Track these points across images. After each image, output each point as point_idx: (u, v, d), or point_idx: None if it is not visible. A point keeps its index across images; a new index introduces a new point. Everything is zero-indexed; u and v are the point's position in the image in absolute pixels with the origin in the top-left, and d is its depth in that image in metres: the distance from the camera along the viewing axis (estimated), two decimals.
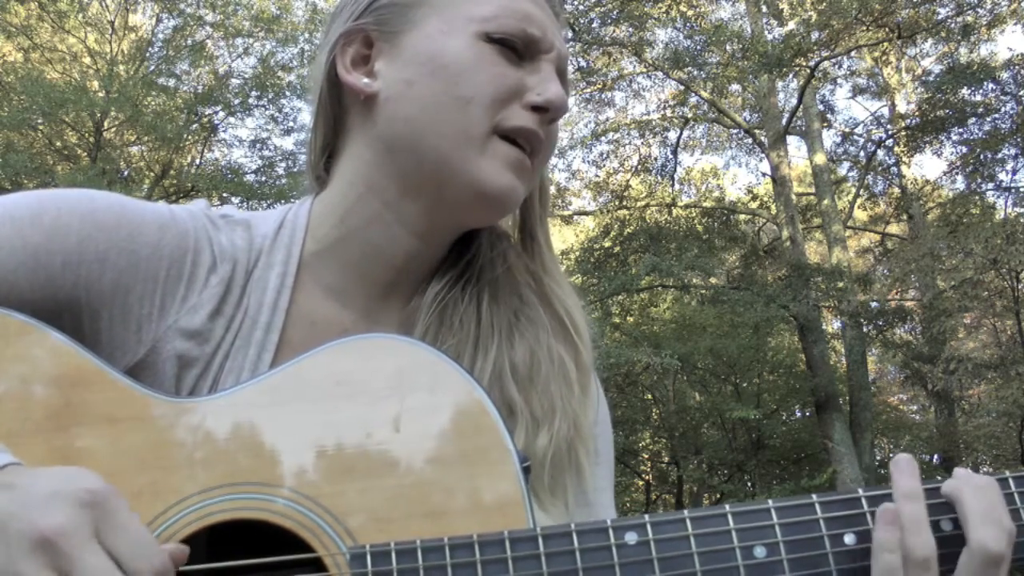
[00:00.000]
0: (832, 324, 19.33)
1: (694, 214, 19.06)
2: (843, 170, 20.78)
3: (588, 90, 19.13)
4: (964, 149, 17.49)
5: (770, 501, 0.82)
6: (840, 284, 15.65)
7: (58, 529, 0.70)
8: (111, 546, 0.72)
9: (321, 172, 1.13)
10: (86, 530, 0.71)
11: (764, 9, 17.78)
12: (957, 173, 18.25)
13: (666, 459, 20.49)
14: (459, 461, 0.85)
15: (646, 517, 0.82)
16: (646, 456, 20.83)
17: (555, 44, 1.08)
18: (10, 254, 0.93)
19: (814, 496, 0.83)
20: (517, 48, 1.05)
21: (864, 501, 0.83)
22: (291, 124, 18.31)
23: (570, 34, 16.24)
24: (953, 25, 16.40)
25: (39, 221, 0.95)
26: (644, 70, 18.35)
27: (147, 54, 17.94)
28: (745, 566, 0.80)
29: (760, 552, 0.80)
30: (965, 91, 16.36)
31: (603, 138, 20.10)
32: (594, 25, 17.15)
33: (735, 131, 19.90)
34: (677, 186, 20.38)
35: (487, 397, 0.88)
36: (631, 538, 0.80)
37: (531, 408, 1.04)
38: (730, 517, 0.81)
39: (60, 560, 0.69)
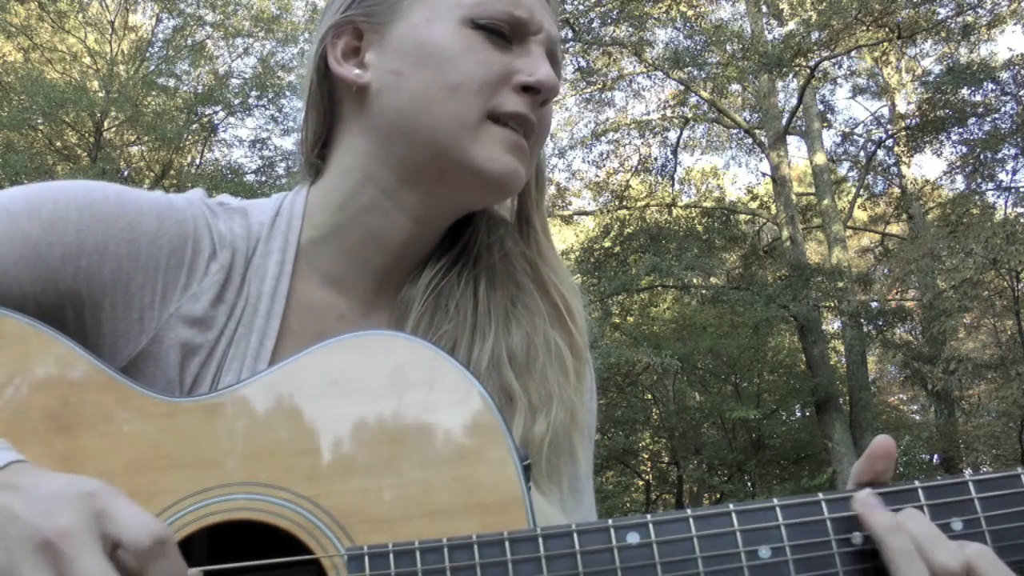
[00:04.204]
0: (832, 324, 19.34)
1: (694, 214, 19.07)
2: (843, 170, 20.82)
3: (588, 90, 19.14)
4: (964, 149, 17.51)
5: (775, 500, 0.81)
6: (840, 284, 15.67)
7: (60, 531, 0.69)
8: (113, 534, 0.71)
9: (315, 161, 1.13)
10: (88, 532, 0.71)
11: (764, 9, 17.78)
12: (957, 173, 18.27)
13: (666, 459, 20.49)
14: (458, 460, 0.84)
15: (648, 517, 0.80)
16: (646, 456, 20.83)
17: (544, 26, 1.07)
18: (10, 248, 0.94)
19: (820, 495, 0.81)
20: (504, 32, 1.04)
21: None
22: (291, 124, 18.31)
23: (570, 34, 16.24)
24: (953, 25, 16.41)
25: (37, 214, 0.95)
26: (644, 70, 18.35)
27: (147, 54, 17.95)
28: (750, 567, 0.78)
29: (765, 553, 0.79)
30: (965, 91, 16.38)
31: (603, 138, 20.12)
32: (594, 25, 17.15)
33: (735, 131, 19.91)
34: (677, 186, 20.40)
35: (487, 394, 0.87)
36: (633, 539, 0.79)
37: (529, 396, 1.04)
38: (734, 517, 0.80)
39: (61, 562, 0.69)
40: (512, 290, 1.12)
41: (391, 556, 0.78)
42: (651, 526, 0.80)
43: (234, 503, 0.83)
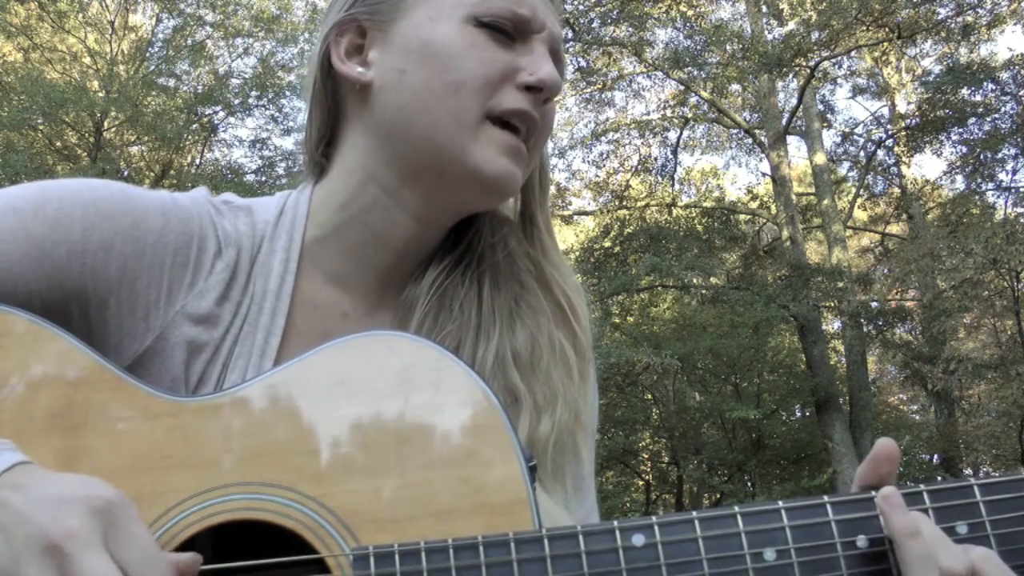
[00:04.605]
0: (832, 324, 19.34)
1: (694, 214, 19.07)
2: (843, 170, 20.82)
3: (588, 90, 19.14)
4: (964, 149, 17.50)
5: (780, 502, 0.81)
6: (840, 284, 15.67)
7: (67, 533, 0.69)
8: (119, 555, 0.71)
9: (320, 159, 1.13)
10: (95, 536, 0.71)
11: (764, 9, 17.78)
12: (957, 173, 18.27)
13: (666, 459, 20.48)
14: (464, 460, 0.84)
15: (653, 518, 0.80)
16: (646, 456, 20.83)
17: (546, 24, 1.07)
18: (15, 246, 0.93)
19: (825, 497, 0.81)
20: (507, 30, 1.05)
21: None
22: (291, 124, 18.35)
23: (570, 34, 16.24)
24: (953, 25, 16.41)
25: (42, 212, 0.95)
26: (644, 70, 18.35)
27: (147, 54, 17.96)
28: (755, 569, 0.78)
29: (770, 555, 0.79)
30: (965, 91, 16.37)
31: (603, 138, 20.13)
32: (594, 25, 17.14)
33: (735, 131, 19.91)
34: (677, 186, 20.40)
35: (493, 395, 0.87)
36: (638, 540, 0.79)
37: (534, 396, 1.05)
38: (739, 519, 0.80)
39: (66, 564, 0.69)
40: (516, 289, 1.12)
41: (396, 556, 0.78)
42: (656, 527, 0.80)
43: (239, 503, 0.83)
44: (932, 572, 0.76)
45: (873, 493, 0.82)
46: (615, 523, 0.80)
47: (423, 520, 0.82)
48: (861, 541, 0.80)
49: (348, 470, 0.84)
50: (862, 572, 0.79)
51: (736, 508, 0.81)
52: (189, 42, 17.98)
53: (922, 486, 0.81)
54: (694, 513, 0.80)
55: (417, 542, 0.79)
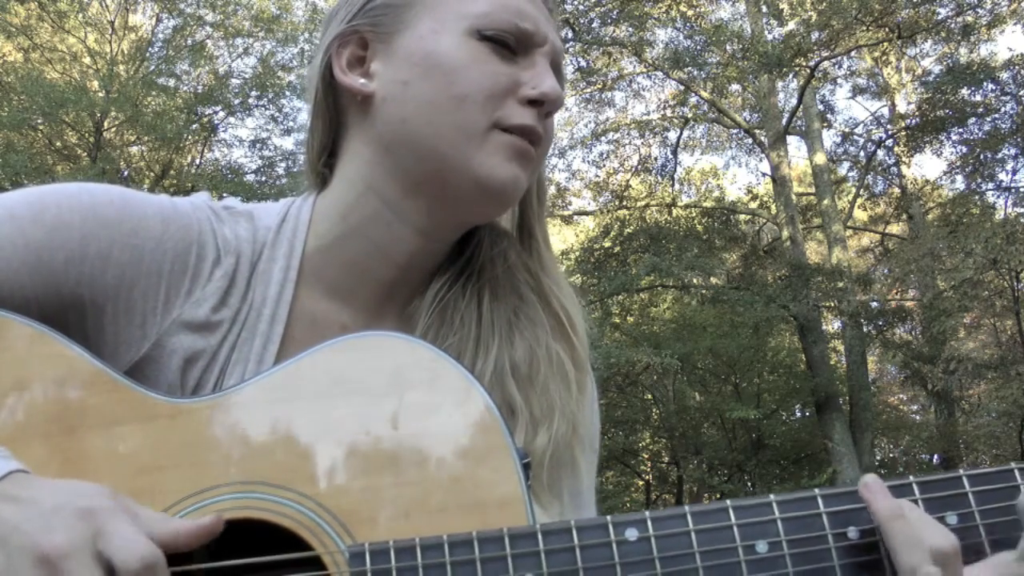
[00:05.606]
0: (832, 324, 19.35)
1: (694, 214, 19.07)
2: (843, 170, 20.82)
3: (588, 90, 19.14)
4: (964, 149, 17.51)
5: (771, 496, 0.82)
6: (840, 284, 15.68)
7: (58, 548, 0.70)
8: (108, 553, 0.72)
9: (322, 170, 1.13)
10: (85, 548, 0.71)
11: (764, 9, 17.78)
12: (957, 173, 18.27)
13: (666, 459, 20.49)
14: (458, 459, 0.84)
15: (646, 513, 0.81)
16: (646, 456, 20.84)
17: (548, 37, 1.08)
18: (12, 253, 0.93)
19: (816, 490, 0.82)
20: (510, 44, 1.05)
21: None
22: (291, 124, 18.35)
23: (570, 34, 16.25)
24: (953, 25, 16.42)
25: (40, 219, 0.95)
26: (644, 70, 18.36)
27: (147, 54, 17.96)
28: (747, 562, 0.79)
29: (762, 548, 0.79)
30: (965, 91, 16.38)
31: (603, 138, 20.13)
32: (594, 25, 17.16)
33: (735, 131, 19.91)
34: (677, 186, 20.41)
35: (487, 395, 0.87)
36: (631, 534, 0.80)
37: (531, 408, 1.04)
38: (731, 512, 0.81)
39: None
40: (515, 302, 1.12)
41: (391, 552, 0.79)
42: (649, 522, 0.80)
43: (236, 502, 0.83)
44: (921, 552, 0.76)
45: (874, 477, 0.83)
46: (608, 518, 0.81)
47: (419, 518, 0.82)
48: (852, 533, 0.81)
49: (344, 469, 0.84)
50: (853, 563, 0.80)
51: (728, 502, 0.82)
52: (189, 42, 17.99)
53: (911, 477, 0.82)
54: (687, 508, 0.81)
55: (412, 538, 0.80)
